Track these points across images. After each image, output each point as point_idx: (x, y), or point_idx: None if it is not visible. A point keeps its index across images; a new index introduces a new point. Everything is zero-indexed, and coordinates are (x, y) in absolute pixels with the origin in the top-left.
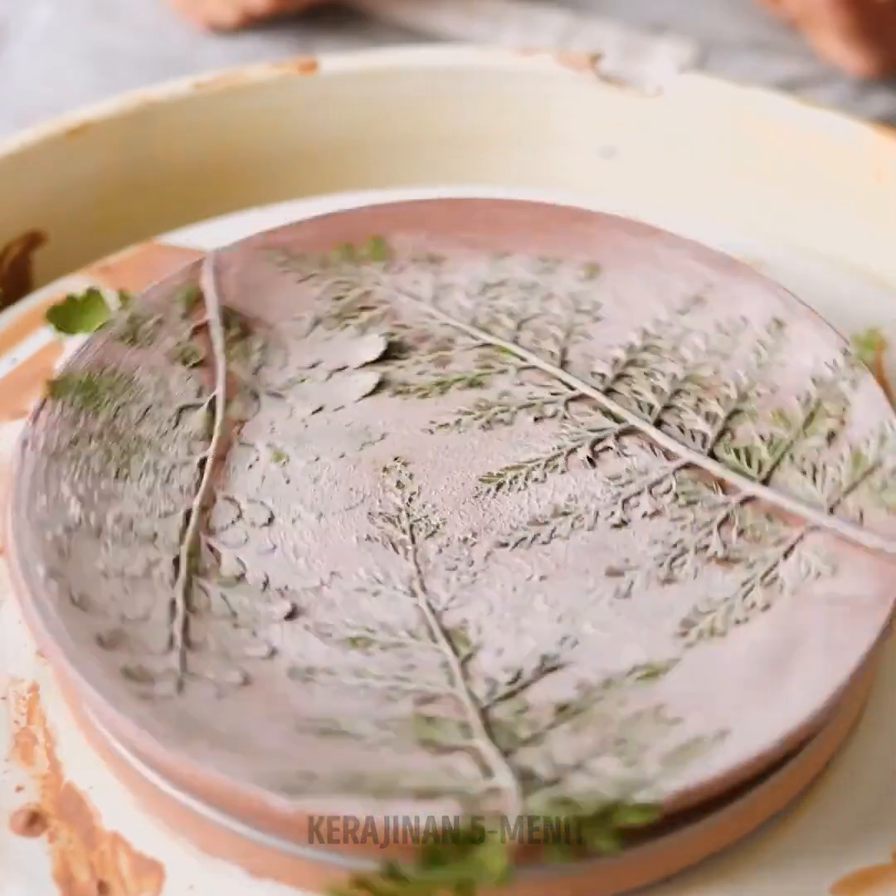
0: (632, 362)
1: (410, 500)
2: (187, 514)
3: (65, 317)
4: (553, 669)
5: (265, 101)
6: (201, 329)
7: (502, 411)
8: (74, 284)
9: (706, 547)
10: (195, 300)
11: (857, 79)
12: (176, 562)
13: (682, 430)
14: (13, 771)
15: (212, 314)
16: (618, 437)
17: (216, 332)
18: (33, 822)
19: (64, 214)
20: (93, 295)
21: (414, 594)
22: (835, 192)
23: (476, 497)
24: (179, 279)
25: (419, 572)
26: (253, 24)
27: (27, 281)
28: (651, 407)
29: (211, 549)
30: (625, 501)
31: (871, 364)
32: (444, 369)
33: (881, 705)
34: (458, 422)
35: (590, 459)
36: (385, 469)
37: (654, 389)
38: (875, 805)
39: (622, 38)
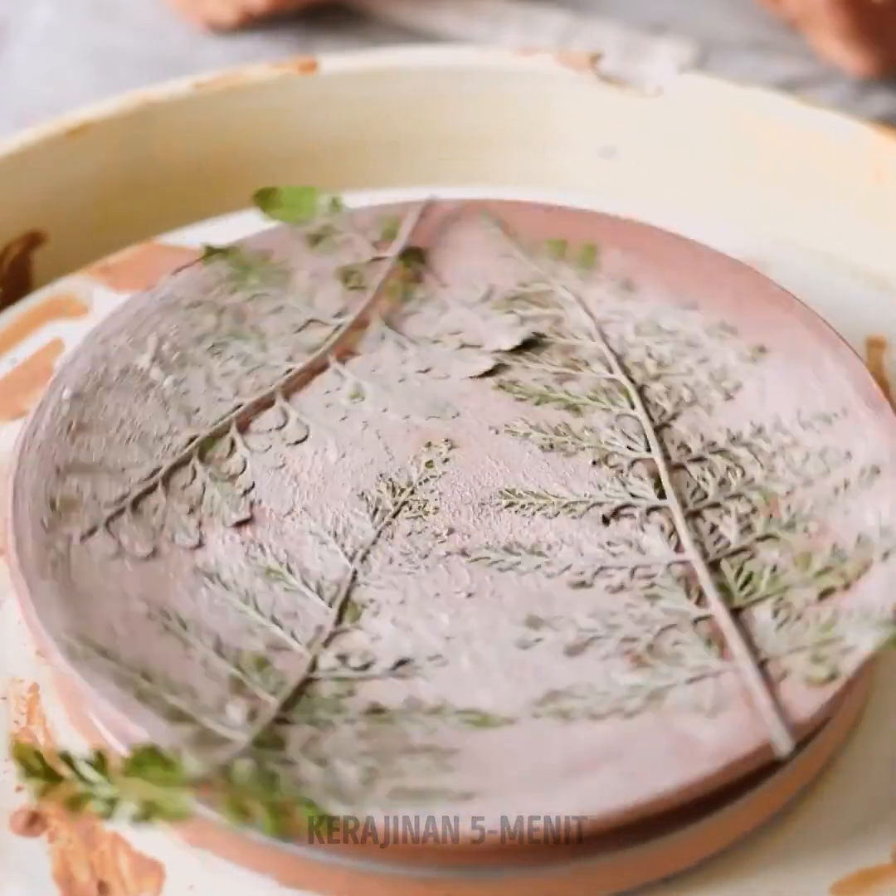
0: (724, 451)
1: (426, 480)
2: (237, 407)
3: (271, 200)
4: (401, 676)
5: (265, 101)
6: (380, 260)
7: (573, 443)
8: (74, 284)
9: (632, 640)
10: (393, 234)
11: (857, 79)
12: (194, 440)
13: (712, 531)
14: (13, 771)
15: (393, 251)
16: (648, 511)
17: (387, 268)
18: (33, 822)
19: (64, 214)
20: (308, 192)
21: (351, 559)
22: (835, 192)
23: (482, 504)
24: (392, 210)
25: (374, 543)
26: (252, 23)
27: (27, 281)
28: (704, 496)
29: (232, 442)
30: (601, 569)
31: (872, 365)
32: (558, 385)
33: (881, 705)
34: (526, 434)
35: (606, 518)
36: (428, 445)
37: (721, 483)
38: (875, 805)
39: (622, 38)
